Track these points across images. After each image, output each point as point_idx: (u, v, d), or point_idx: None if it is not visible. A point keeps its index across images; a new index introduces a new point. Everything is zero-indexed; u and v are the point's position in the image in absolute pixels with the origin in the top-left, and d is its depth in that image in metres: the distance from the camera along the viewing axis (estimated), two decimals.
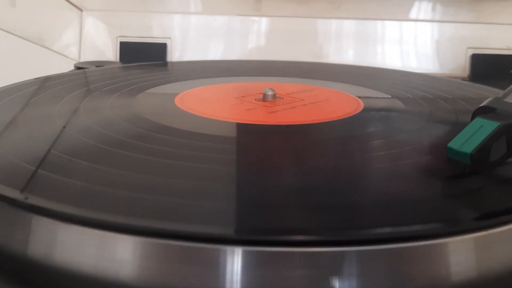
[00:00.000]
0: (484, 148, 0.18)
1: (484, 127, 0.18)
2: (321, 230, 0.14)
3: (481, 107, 0.21)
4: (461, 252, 0.14)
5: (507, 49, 0.56)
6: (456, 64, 0.56)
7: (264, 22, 0.56)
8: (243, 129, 0.25)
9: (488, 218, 0.15)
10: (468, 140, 0.18)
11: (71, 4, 0.53)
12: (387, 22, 0.56)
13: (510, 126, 0.19)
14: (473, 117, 0.21)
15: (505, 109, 0.20)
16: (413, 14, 0.57)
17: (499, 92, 0.34)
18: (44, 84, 0.33)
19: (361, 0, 0.56)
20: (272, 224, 0.15)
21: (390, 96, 0.33)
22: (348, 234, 0.14)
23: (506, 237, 0.15)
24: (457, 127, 0.25)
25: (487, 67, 0.55)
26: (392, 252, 0.14)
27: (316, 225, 0.15)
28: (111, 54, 0.55)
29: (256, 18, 0.56)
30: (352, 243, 0.14)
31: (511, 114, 0.19)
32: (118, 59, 0.55)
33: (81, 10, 0.55)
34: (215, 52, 0.56)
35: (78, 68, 0.46)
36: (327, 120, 0.26)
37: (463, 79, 0.54)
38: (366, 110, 0.29)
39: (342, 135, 0.25)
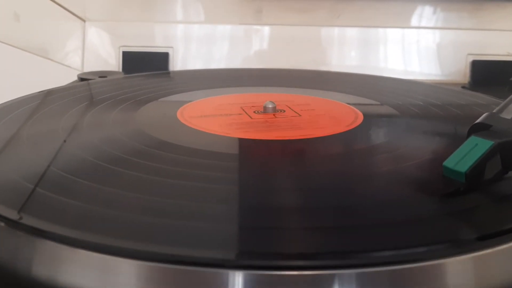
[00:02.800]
0: (479, 167, 0.18)
1: (479, 146, 0.19)
2: (318, 255, 0.15)
3: (476, 123, 0.21)
4: (459, 273, 0.15)
5: (508, 55, 0.56)
6: (456, 70, 0.57)
7: (265, 31, 0.56)
8: (243, 144, 0.25)
9: (484, 239, 0.16)
10: (462, 159, 0.18)
11: (73, 15, 0.54)
12: (387, 30, 0.57)
13: (504, 144, 0.19)
14: (469, 134, 0.21)
15: (500, 126, 0.20)
16: (413, 21, 0.57)
17: (495, 101, 0.35)
18: (46, 98, 0.34)
19: (362, 9, 0.56)
20: (271, 248, 0.15)
21: (390, 107, 0.34)
22: (345, 258, 0.14)
23: (503, 257, 0.15)
24: (455, 141, 0.26)
25: (487, 74, 0.55)
26: (390, 273, 0.14)
27: (314, 249, 0.15)
28: (114, 63, 0.55)
29: (257, 27, 0.56)
30: (349, 266, 0.14)
31: (505, 131, 0.20)
32: (120, 69, 0.55)
33: (84, 21, 0.55)
34: (217, 60, 0.56)
35: (81, 79, 0.47)
36: (326, 135, 0.27)
37: (463, 85, 0.54)
38: (364, 123, 0.29)
39: (340, 152, 0.25)
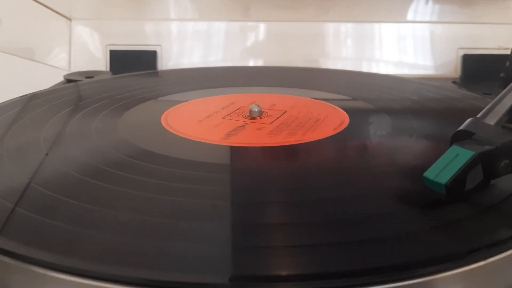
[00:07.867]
0: (459, 178, 0.18)
1: (460, 156, 0.18)
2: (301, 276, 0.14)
3: (459, 130, 0.21)
4: None
5: (499, 49, 0.56)
6: (447, 64, 0.56)
7: (254, 27, 0.56)
8: (230, 153, 0.25)
9: (471, 253, 0.15)
10: (443, 170, 0.18)
11: (59, 15, 0.53)
12: (378, 25, 0.56)
13: (486, 154, 0.18)
14: (452, 141, 0.21)
15: (483, 134, 0.20)
16: (404, 15, 0.57)
17: (474, 96, 0.35)
18: (29, 103, 0.33)
19: (351, 4, 0.55)
20: (263, 271, 0.15)
21: (375, 108, 0.33)
22: (333, 278, 0.14)
23: (490, 271, 0.15)
24: (436, 147, 0.25)
25: (479, 68, 0.55)
26: None
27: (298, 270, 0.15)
28: (101, 62, 0.55)
29: (245, 24, 0.56)
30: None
31: (488, 139, 0.19)
32: (108, 68, 0.54)
33: (70, 20, 0.54)
34: (204, 58, 0.56)
35: (67, 80, 0.46)
36: (311, 140, 0.26)
37: (454, 80, 0.54)
38: (349, 127, 0.29)
39: (324, 160, 0.25)
